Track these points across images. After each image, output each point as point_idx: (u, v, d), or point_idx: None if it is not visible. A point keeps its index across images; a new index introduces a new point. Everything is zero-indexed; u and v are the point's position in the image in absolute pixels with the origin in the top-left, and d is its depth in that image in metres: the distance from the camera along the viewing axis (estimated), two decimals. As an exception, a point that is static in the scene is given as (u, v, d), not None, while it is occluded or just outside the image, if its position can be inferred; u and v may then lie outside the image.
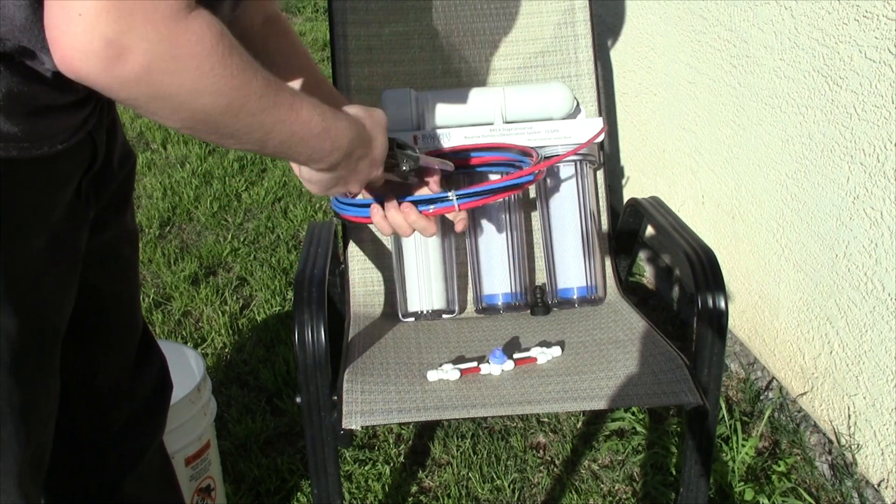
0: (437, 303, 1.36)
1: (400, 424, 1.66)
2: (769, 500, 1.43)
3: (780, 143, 1.52)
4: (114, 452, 0.95)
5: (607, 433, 1.63)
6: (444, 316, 1.38)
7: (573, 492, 1.49)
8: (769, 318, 1.65)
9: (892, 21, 1.20)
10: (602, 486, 1.51)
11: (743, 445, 1.52)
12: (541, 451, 1.60)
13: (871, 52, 1.25)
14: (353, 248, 1.44)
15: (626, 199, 1.44)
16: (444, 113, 1.40)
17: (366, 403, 1.05)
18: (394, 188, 0.97)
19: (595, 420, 1.67)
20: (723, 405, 1.64)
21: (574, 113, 1.46)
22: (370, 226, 1.44)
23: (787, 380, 1.62)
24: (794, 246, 1.52)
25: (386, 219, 0.93)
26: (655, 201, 1.35)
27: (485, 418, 1.67)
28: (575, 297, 1.38)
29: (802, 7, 1.40)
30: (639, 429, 1.62)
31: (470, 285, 1.44)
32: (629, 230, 1.43)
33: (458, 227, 1.00)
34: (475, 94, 1.42)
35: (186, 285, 2.15)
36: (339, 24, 1.48)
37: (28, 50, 0.60)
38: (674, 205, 1.95)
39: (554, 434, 1.64)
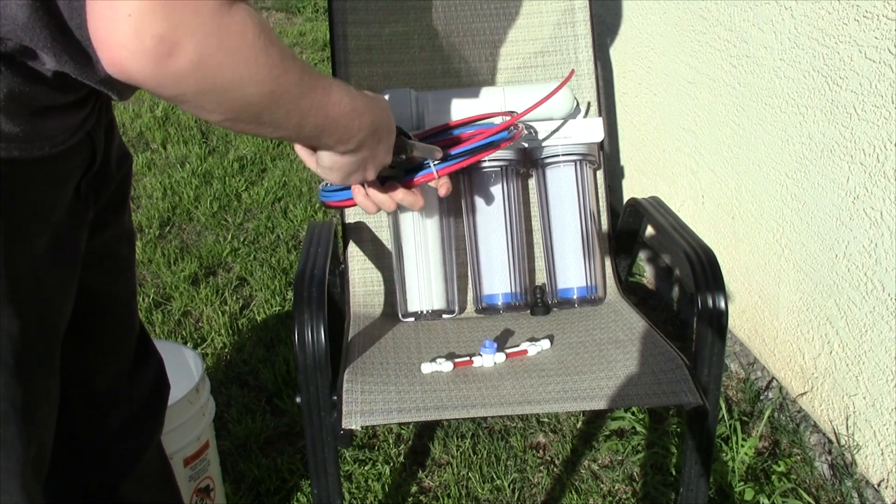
0: (437, 303, 1.36)
1: (400, 424, 1.66)
2: (769, 500, 1.43)
3: (780, 143, 1.52)
4: (113, 453, 0.95)
5: (607, 433, 1.63)
6: (444, 316, 1.38)
7: (573, 492, 1.49)
8: (769, 318, 1.65)
9: (892, 21, 1.20)
10: (602, 486, 1.51)
11: (743, 445, 1.52)
12: (541, 451, 1.60)
13: (871, 52, 1.25)
14: (353, 248, 1.44)
15: (626, 199, 1.44)
16: (444, 113, 1.40)
17: (366, 403, 1.05)
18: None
19: (595, 420, 1.67)
20: (723, 405, 1.64)
21: (574, 113, 1.46)
22: (370, 226, 1.44)
23: (787, 380, 1.62)
24: (794, 246, 1.52)
25: (368, 197, 0.94)
26: (655, 201, 1.35)
27: (485, 418, 1.67)
28: (575, 297, 1.38)
29: (802, 7, 1.40)
30: (639, 429, 1.62)
31: (470, 285, 1.44)
32: (629, 230, 1.43)
33: (441, 192, 1.02)
34: (475, 94, 1.42)
35: (186, 285, 2.15)
36: (339, 24, 1.48)
37: (29, 49, 0.60)
38: (674, 205, 1.95)
39: (554, 434, 1.64)
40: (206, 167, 2.84)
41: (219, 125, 0.66)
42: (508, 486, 1.51)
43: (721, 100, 1.69)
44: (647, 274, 2.18)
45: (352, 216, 1.45)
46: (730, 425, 1.58)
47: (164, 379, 1.01)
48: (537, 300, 1.39)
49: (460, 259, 1.44)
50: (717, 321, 1.07)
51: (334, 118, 0.74)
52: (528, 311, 1.39)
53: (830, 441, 1.49)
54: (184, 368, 1.34)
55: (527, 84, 1.49)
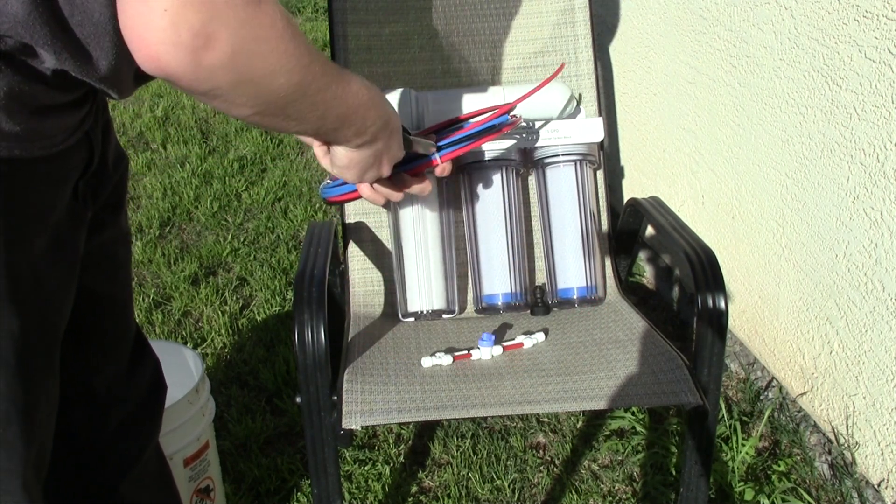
0: (437, 303, 1.36)
1: (400, 424, 1.66)
2: (769, 500, 1.43)
3: (780, 143, 1.52)
4: (112, 453, 0.95)
5: (607, 433, 1.63)
6: (444, 316, 1.38)
7: (573, 492, 1.49)
8: (769, 318, 1.65)
9: (892, 21, 1.20)
10: (602, 486, 1.51)
11: (743, 445, 1.52)
12: (541, 451, 1.60)
13: (871, 52, 1.25)
14: (353, 248, 1.44)
15: (626, 199, 1.44)
16: (444, 113, 1.40)
17: (366, 403, 1.05)
18: None
19: (595, 420, 1.67)
20: (723, 405, 1.64)
21: (574, 113, 1.46)
22: (370, 226, 1.44)
23: (787, 380, 1.62)
24: (794, 246, 1.52)
25: (374, 190, 0.95)
26: (655, 201, 1.35)
27: (485, 418, 1.67)
28: (575, 297, 1.38)
29: (802, 7, 1.40)
30: (639, 429, 1.62)
31: (470, 285, 1.44)
32: (629, 230, 1.43)
33: (438, 171, 1.02)
34: (475, 94, 1.42)
35: (186, 285, 2.15)
36: (339, 24, 1.48)
37: (29, 47, 0.60)
38: (674, 205, 1.95)
39: (554, 434, 1.64)
40: (206, 167, 2.84)
41: (246, 120, 0.67)
42: (508, 486, 1.51)
43: (721, 100, 1.69)
44: (647, 274, 2.18)
45: (352, 216, 1.45)
46: (730, 425, 1.58)
47: (160, 379, 1.01)
48: (537, 300, 1.39)
49: (460, 259, 1.44)
50: (717, 321, 1.07)
51: (355, 109, 0.75)
52: (528, 311, 1.39)
53: (830, 441, 1.49)
54: (184, 369, 1.34)
55: (527, 84, 1.49)
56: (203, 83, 0.58)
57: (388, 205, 1.40)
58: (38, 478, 0.74)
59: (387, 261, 1.44)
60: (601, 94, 1.52)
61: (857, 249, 1.35)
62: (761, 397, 1.67)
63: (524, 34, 1.52)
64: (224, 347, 1.91)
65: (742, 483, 1.47)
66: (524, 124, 1.40)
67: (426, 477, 1.54)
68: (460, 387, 1.09)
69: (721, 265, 1.10)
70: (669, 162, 1.97)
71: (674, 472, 1.51)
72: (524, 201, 1.47)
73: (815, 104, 1.41)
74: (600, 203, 1.48)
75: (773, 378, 1.67)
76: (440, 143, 1.00)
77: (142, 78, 0.71)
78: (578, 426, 1.65)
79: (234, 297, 2.10)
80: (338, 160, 0.84)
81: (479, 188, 1.40)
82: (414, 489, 1.51)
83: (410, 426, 1.66)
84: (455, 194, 1.44)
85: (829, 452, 1.49)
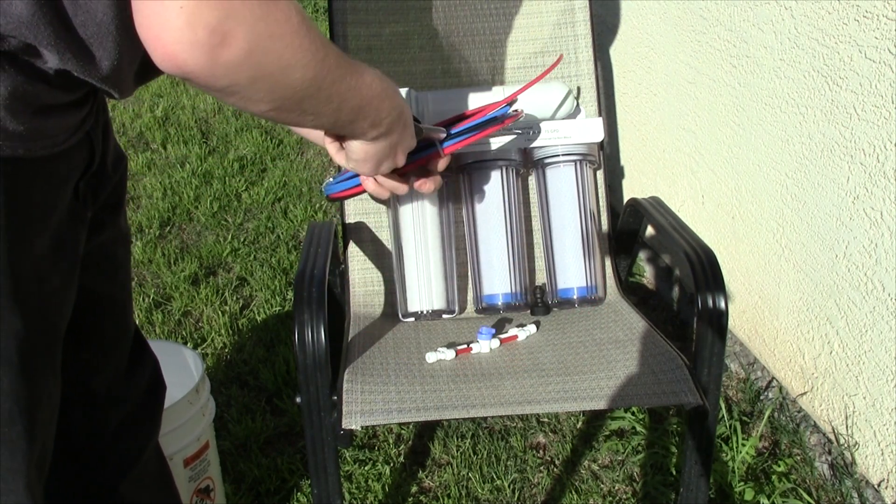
0: (437, 303, 1.36)
1: (400, 424, 1.66)
2: (769, 500, 1.43)
3: (780, 143, 1.52)
4: (111, 454, 0.95)
5: (607, 433, 1.63)
6: (444, 316, 1.38)
7: (573, 492, 1.49)
8: (769, 318, 1.65)
9: (892, 21, 1.20)
10: (602, 486, 1.51)
11: (743, 445, 1.52)
12: (541, 451, 1.60)
13: (871, 52, 1.25)
14: (353, 248, 1.44)
15: (626, 199, 1.44)
16: (444, 113, 1.40)
17: (366, 403, 1.05)
18: None
19: (595, 420, 1.67)
20: (723, 405, 1.64)
21: (574, 113, 1.46)
22: (370, 226, 1.44)
23: (787, 380, 1.62)
24: (794, 246, 1.52)
25: (379, 184, 0.95)
26: (655, 201, 1.35)
27: (485, 418, 1.67)
28: (575, 297, 1.38)
29: (802, 7, 1.40)
30: (639, 429, 1.62)
31: (470, 285, 1.44)
32: (629, 230, 1.43)
33: (440, 165, 1.03)
34: (475, 94, 1.42)
35: (186, 285, 2.15)
36: (339, 24, 1.48)
37: (32, 47, 0.60)
38: (674, 205, 1.95)
39: (554, 434, 1.64)
40: (206, 167, 2.84)
41: (263, 116, 0.67)
42: (508, 486, 1.51)
43: (721, 100, 1.69)
44: (647, 274, 2.18)
45: (352, 216, 1.45)
46: (730, 425, 1.58)
47: (159, 379, 1.01)
48: (537, 300, 1.39)
49: (460, 259, 1.44)
50: (717, 321, 1.07)
51: (370, 101, 0.76)
52: (529, 311, 1.39)
53: (830, 441, 1.49)
54: (184, 368, 1.34)
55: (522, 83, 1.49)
56: (220, 80, 0.58)
57: (389, 202, 1.40)
58: (39, 478, 0.74)
59: (387, 261, 1.44)
60: (601, 94, 1.52)
61: (857, 249, 1.35)
62: (761, 397, 1.67)
63: (524, 34, 1.52)
64: (224, 347, 1.91)
65: (742, 483, 1.47)
66: (522, 117, 1.40)
67: (426, 477, 1.54)
68: (460, 387, 1.09)
69: (721, 265, 1.10)
70: (669, 162, 1.97)
71: (674, 472, 1.51)
72: (524, 201, 1.47)
73: (815, 104, 1.41)
74: (600, 203, 1.48)
75: (773, 378, 1.67)
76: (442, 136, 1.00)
77: (142, 78, 0.71)
78: (578, 426, 1.65)
79: (234, 297, 2.10)
80: (354, 154, 0.84)
81: (479, 188, 1.40)
82: (414, 489, 1.51)
83: (410, 426, 1.66)
84: (455, 194, 1.44)
85: (829, 452, 1.49)
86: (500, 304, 1.38)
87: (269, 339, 1.93)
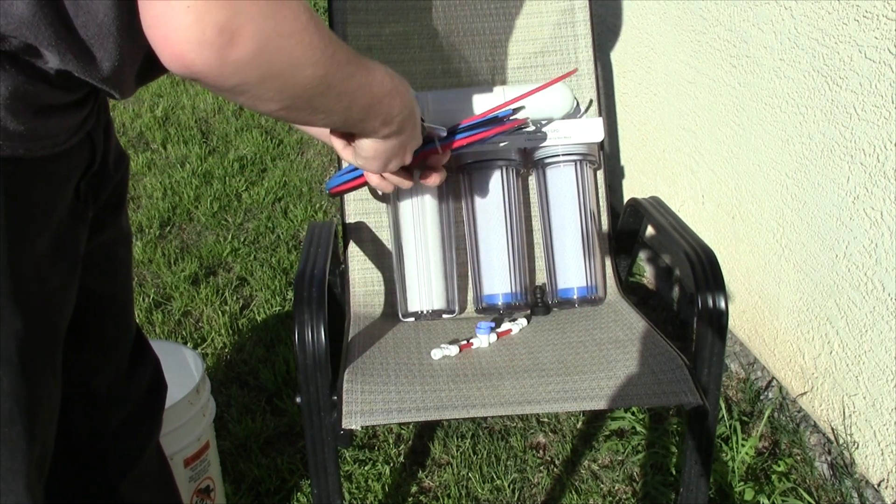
0: (437, 303, 1.36)
1: (400, 424, 1.66)
2: (769, 500, 1.43)
3: (780, 143, 1.52)
4: (112, 453, 0.95)
5: (607, 433, 1.63)
6: (445, 316, 1.38)
7: (573, 492, 1.49)
8: (769, 318, 1.65)
9: (892, 21, 1.20)
10: (602, 486, 1.51)
11: (743, 445, 1.52)
12: (541, 451, 1.60)
13: (871, 52, 1.25)
14: (353, 248, 1.44)
15: (626, 199, 1.44)
16: (444, 113, 1.40)
17: (366, 403, 1.05)
18: None
19: (595, 420, 1.67)
20: (723, 405, 1.64)
21: (574, 113, 1.46)
22: (370, 226, 1.44)
23: (787, 380, 1.62)
24: (794, 246, 1.52)
25: (383, 178, 0.95)
26: (655, 201, 1.35)
27: (485, 418, 1.67)
28: (575, 297, 1.38)
29: (802, 7, 1.40)
30: (639, 429, 1.62)
31: (470, 285, 1.44)
32: (629, 230, 1.43)
33: (435, 162, 1.04)
34: (475, 94, 1.42)
35: (186, 285, 2.15)
36: (339, 24, 1.48)
37: (33, 47, 0.60)
38: (674, 205, 1.95)
39: (554, 434, 1.64)
40: (206, 167, 2.84)
41: (273, 115, 0.67)
42: (508, 486, 1.51)
43: (721, 100, 1.69)
44: (647, 274, 2.18)
45: (352, 216, 1.45)
46: (730, 425, 1.58)
47: (160, 379, 1.01)
48: (537, 300, 1.39)
49: (460, 259, 1.44)
50: (717, 321, 1.07)
51: (380, 98, 0.75)
52: (529, 311, 1.39)
53: (830, 441, 1.49)
54: (184, 369, 1.34)
55: (527, 84, 1.49)
56: (229, 79, 0.58)
57: (389, 202, 1.40)
58: (39, 478, 0.74)
59: (387, 261, 1.44)
60: (601, 94, 1.52)
61: (857, 249, 1.35)
62: (761, 397, 1.67)
63: (524, 34, 1.52)
64: (224, 347, 1.91)
65: (742, 483, 1.47)
66: (531, 128, 1.40)
67: (426, 477, 1.54)
68: (460, 387, 1.09)
69: (721, 265, 1.10)
70: (669, 162, 1.97)
71: (674, 472, 1.51)
72: (524, 201, 1.47)
73: (815, 104, 1.41)
74: (600, 203, 1.48)
75: (773, 378, 1.67)
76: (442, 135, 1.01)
77: (144, 78, 0.71)
78: (578, 426, 1.65)
79: (234, 297, 2.10)
80: (363, 152, 0.84)
81: (479, 188, 1.40)
82: (414, 489, 1.51)
83: (410, 426, 1.66)
84: (455, 194, 1.44)
85: (829, 452, 1.49)
86: (500, 304, 1.38)
87: (269, 339, 1.93)
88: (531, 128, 1.39)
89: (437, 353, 1.19)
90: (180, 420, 1.23)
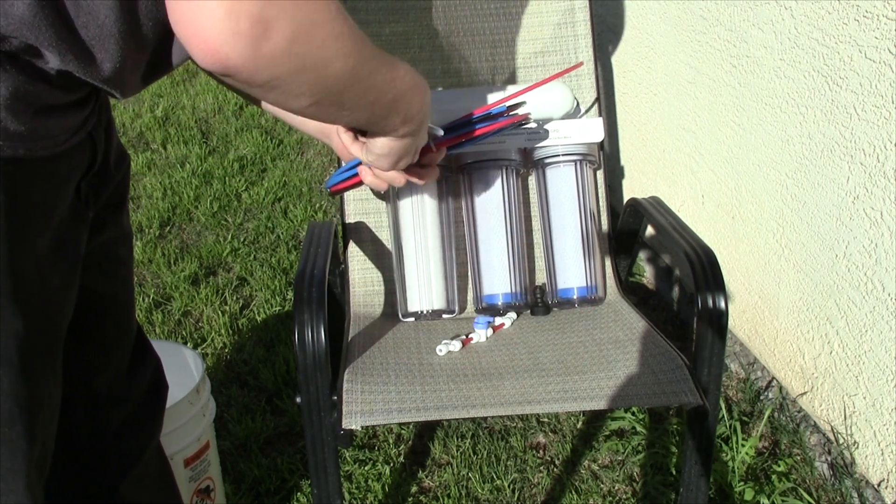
0: (437, 303, 1.36)
1: (400, 424, 1.66)
2: (769, 500, 1.43)
3: (780, 143, 1.52)
4: (112, 453, 0.95)
5: (607, 433, 1.63)
6: (445, 316, 1.38)
7: (573, 492, 1.49)
8: (769, 318, 1.65)
9: (892, 21, 1.20)
10: (602, 486, 1.51)
11: (743, 445, 1.52)
12: (541, 451, 1.60)
13: (871, 52, 1.25)
14: (353, 248, 1.44)
15: (626, 199, 1.44)
16: (444, 113, 1.40)
17: (366, 403, 1.05)
18: None
19: (595, 420, 1.67)
20: (723, 405, 1.64)
21: (574, 113, 1.46)
22: (370, 226, 1.44)
23: (787, 380, 1.62)
24: (794, 246, 1.52)
25: (377, 176, 0.94)
26: (655, 201, 1.35)
27: (485, 418, 1.67)
28: (575, 297, 1.38)
29: (802, 7, 1.40)
30: (639, 429, 1.62)
31: (470, 285, 1.44)
32: (629, 230, 1.43)
33: (428, 160, 1.02)
34: (475, 94, 1.42)
35: (186, 285, 2.15)
36: (339, 24, 1.47)
37: (33, 48, 0.60)
38: (674, 205, 1.95)
39: (554, 434, 1.64)
40: (206, 167, 2.84)
41: (301, 113, 0.66)
42: (508, 486, 1.51)
43: (721, 100, 1.69)
44: (647, 274, 2.18)
45: (352, 216, 1.45)
46: (730, 425, 1.58)
47: (161, 379, 1.01)
48: (537, 300, 1.39)
49: (460, 259, 1.44)
50: (717, 321, 1.07)
51: (401, 94, 0.74)
52: (529, 311, 1.39)
53: (830, 441, 1.49)
54: (184, 369, 1.34)
55: (527, 84, 1.49)
56: (262, 73, 0.57)
57: (389, 202, 1.40)
58: (39, 478, 0.74)
59: (387, 261, 1.44)
60: (601, 94, 1.53)
61: (857, 249, 1.35)
62: (761, 397, 1.67)
63: (524, 34, 1.52)
64: (224, 347, 1.91)
65: (742, 483, 1.47)
66: (532, 125, 1.39)
67: (426, 477, 1.54)
68: (460, 387, 1.09)
69: (721, 265, 1.10)
70: (669, 162, 1.97)
71: (674, 472, 1.51)
72: (524, 201, 1.47)
73: (815, 104, 1.41)
74: (600, 203, 1.48)
75: (773, 378, 1.67)
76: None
77: (149, 78, 0.71)
78: (578, 426, 1.65)
79: (234, 297, 2.10)
80: (377, 149, 0.83)
81: (479, 188, 1.40)
82: (414, 489, 1.51)
83: (410, 426, 1.66)
84: (455, 194, 1.44)
85: (829, 452, 1.49)
86: (500, 304, 1.38)
87: (269, 339, 1.93)
88: (532, 124, 1.39)
89: (441, 349, 1.21)
90: (180, 420, 1.23)
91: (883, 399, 1.34)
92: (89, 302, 0.83)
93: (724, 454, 1.53)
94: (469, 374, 1.13)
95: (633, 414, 1.64)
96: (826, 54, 1.36)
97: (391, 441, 1.62)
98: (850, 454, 1.44)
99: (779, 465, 1.50)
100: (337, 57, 0.61)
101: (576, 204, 1.39)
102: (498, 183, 1.39)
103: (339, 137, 0.89)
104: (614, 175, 2.24)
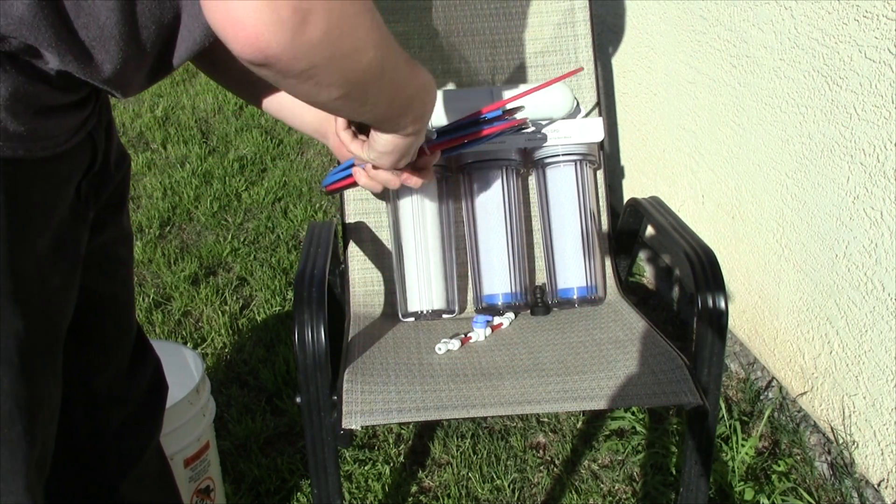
0: (437, 303, 1.36)
1: (400, 424, 1.66)
2: (769, 500, 1.43)
3: (780, 143, 1.52)
4: (112, 454, 0.95)
5: (607, 433, 1.63)
6: (444, 316, 1.38)
7: (573, 492, 1.49)
8: (769, 318, 1.65)
9: (892, 21, 1.20)
10: (602, 486, 1.51)
11: (743, 445, 1.52)
12: (541, 451, 1.60)
13: (871, 52, 1.25)
14: (353, 248, 1.44)
15: (626, 199, 1.44)
16: (444, 113, 1.40)
17: (366, 403, 1.05)
18: None
19: (595, 420, 1.67)
20: (723, 405, 1.64)
21: (574, 113, 1.46)
22: (370, 226, 1.44)
23: (787, 380, 1.62)
24: (794, 246, 1.52)
25: (371, 177, 0.94)
26: (655, 201, 1.35)
27: (485, 418, 1.67)
28: (575, 297, 1.38)
29: (802, 7, 1.40)
30: (639, 429, 1.62)
31: (470, 285, 1.44)
32: (629, 230, 1.43)
33: (423, 163, 1.01)
34: (475, 94, 1.42)
35: (186, 285, 2.15)
36: (339, 24, 1.47)
37: (33, 48, 0.60)
38: (674, 205, 1.95)
39: (554, 434, 1.64)
40: (206, 167, 2.84)
41: (327, 105, 0.67)
42: (508, 486, 1.51)
43: (721, 100, 1.69)
44: (647, 274, 2.18)
45: (352, 216, 1.45)
46: (730, 425, 1.58)
47: (161, 379, 1.01)
48: (537, 300, 1.39)
49: (460, 259, 1.44)
50: (717, 321, 1.07)
51: (417, 91, 0.75)
52: (529, 311, 1.39)
53: (830, 441, 1.50)
54: (184, 369, 1.34)
55: (527, 84, 1.49)
56: (301, 61, 0.57)
57: (388, 202, 1.40)
58: (39, 478, 0.74)
59: (387, 261, 1.44)
60: (601, 94, 1.53)
61: (857, 249, 1.35)
62: (761, 397, 1.67)
63: (524, 34, 1.52)
64: (224, 347, 1.91)
65: (742, 483, 1.47)
66: (530, 129, 1.39)
67: (426, 477, 1.54)
68: (460, 387, 1.09)
69: (721, 265, 1.10)
70: (669, 162, 1.97)
71: (674, 472, 1.51)
72: (524, 201, 1.47)
73: (815, 104, 1.41)
74: (600, 203, 1.48)
75: (773, 378, 1.67)
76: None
77: (152, 79, 0.71)
78: (578, 426, 1.65)
79: (234, 297, 2.10)
80: (381, 146, 0.83)
81: (479, 188, 1.40)
82: (414, 489, 1.51)
83: (410, 426, 1.66)
84: (455, 194, 1.44)
85: (829, 452, 1.49)
86: (500, 304, 1.38)
87: (269, 339, 1.93)
88: (530, 129, 1.39)
89: (441, 348, 1.21)
90: (180, 420, 1.23)
91: (883, 399, 1.34)
92: (89, 302, 0.83)
93: (724, 454, 1.53)
94: (469, 375, 1.13)
95: (633, 414, 1.64)
96: (826, 54, 1.36)
97: (391, 441, 1.62)
98: (850, 454, 1.44)
99: (779, 465, 1.50)
100: (368, 47, 0.61)
101: (576, 204, 1.39)
102: (498, 183, 1.39)
103: (336, 136, 0.89)
104: (614, 175, 2.24)
